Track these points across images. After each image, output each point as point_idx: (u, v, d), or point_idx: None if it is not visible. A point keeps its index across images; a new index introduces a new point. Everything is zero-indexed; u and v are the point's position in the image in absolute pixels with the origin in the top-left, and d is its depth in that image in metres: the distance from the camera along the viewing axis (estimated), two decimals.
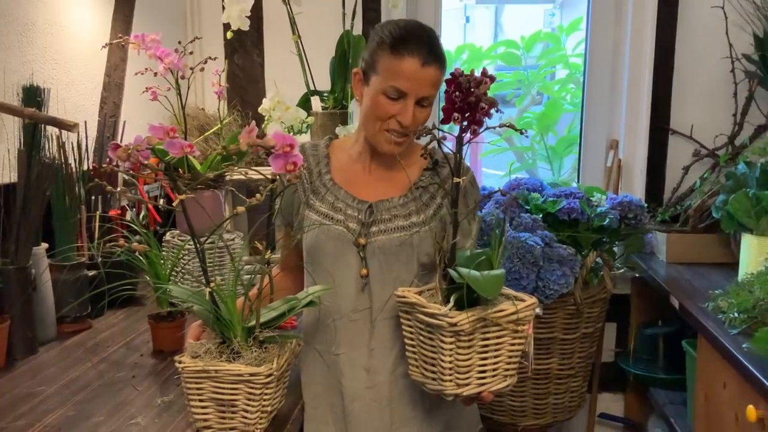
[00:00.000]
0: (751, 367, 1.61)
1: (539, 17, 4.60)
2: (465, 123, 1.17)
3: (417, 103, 1.43)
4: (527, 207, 2.34)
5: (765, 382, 1.52)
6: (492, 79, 1.15)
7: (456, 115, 1.16)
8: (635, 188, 2.77)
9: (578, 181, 2.92)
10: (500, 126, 1.21)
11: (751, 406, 1.62)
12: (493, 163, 3.72)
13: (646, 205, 2.42)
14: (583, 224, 2.30)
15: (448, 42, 3.64)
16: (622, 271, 2.52)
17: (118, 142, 2.27)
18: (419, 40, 1.41)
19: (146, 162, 1.29)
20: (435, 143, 1.21)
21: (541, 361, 2.34)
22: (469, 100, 1.14)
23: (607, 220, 2.28)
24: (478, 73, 1.20)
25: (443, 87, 1.21)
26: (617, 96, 2.85)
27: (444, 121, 1.20)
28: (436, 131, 1.20)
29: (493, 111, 1.15)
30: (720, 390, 1.86)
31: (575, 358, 2.39)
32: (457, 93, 1.15)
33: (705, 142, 2.73)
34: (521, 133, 1.20)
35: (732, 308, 1.87)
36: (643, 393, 2.76)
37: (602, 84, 2.87)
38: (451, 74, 1.18)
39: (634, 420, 2.88)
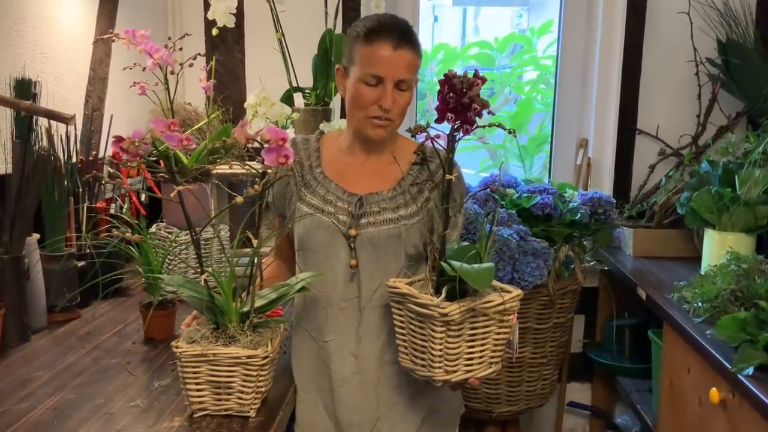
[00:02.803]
0: (714, 353, 1.72)
1: (507, 18, 4.70)
2: (458, 123, 1.25)
3: (395, 87, 1.49)
4: (502, 202, 2.43)
5: (727, 365, 1.63)
6: (483, 80, 1.23)
7: (450, 115, 1.23)
8: (603, 185, 2.88)
9: (549, 179, 3.03)
10: (489, 126, 1.28)
11: (714, 389, 1.73)
12: (466, 162, 3.81)
13: (615, 201, 2.53)
14: (556, 219, 2.40)
15: (421, 41, 3.71)
16: (591, 264, 2.63)
17: (105, 136, 2.30)
18: (390, 27, 1.50)
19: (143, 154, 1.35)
20: (428, 141, 1.28)
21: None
22: (463, 101, 1.21)
23: (579, 215, 2.38)
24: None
25: (437, 87, 1.29)
26: (587, 97, 2.96)
27: (438, 121, 1.27)
28: (430, 129, 1.27)
29: (483, 111, 1.23)
30: (684, 375, 1.97)
31: (547, 347, 2.49)
32: (451, 94, 1.22)
33: (670, 142, 2.85)
34: (510, 133, 1.27)
35: (696, 298, 1.98)
36: (610, 382, 2.88)
37: (573, 85, 2.97)
38: (445, 75, 1.24)
39: (601, 408, 2.99)
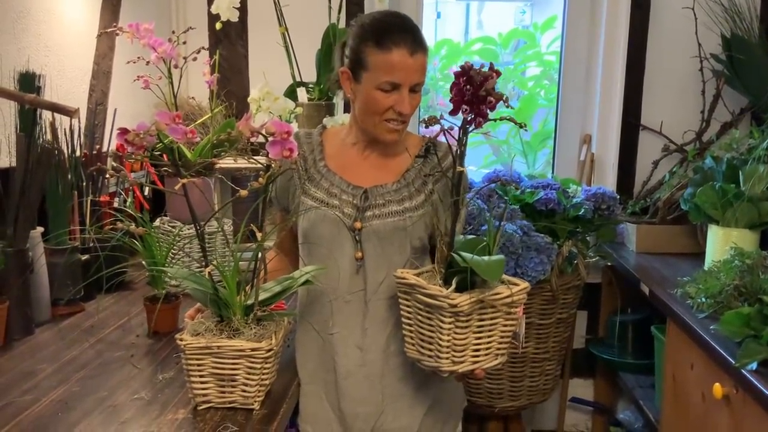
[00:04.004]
0: (718, 348, 1.71)
1: (510, 13, 4.69)
2: (471, 115, 1.24)
3: (410, 90, 1.49)
4: (506, 197, 2.43)
5: (730, 360, 1.63)
6: (498, 73, 1.22)
7: (464, 107, 1.23)
8: (607, 181, 2.88)
9: (553, 174, 3.02)
10: (501, 119, 1.28)
11: (717, 384, 1.72)
12: (469, 158, 3.80)
13: (618, 197, 2.52)
14: (560, 214, 2.39)
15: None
16: (595, 259, 2.62)
17: (109, 129, 2.30)
18: (402, 30, 1.48)
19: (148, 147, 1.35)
20: (441, 133, 1.28)
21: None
22: (479, 94, 1.21)
23: (582, 211, 2.38)
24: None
25: (452, 79, 1.28)
26: (591, 92, 2.95)
27: (452, 113, 1.26)
28: (443, 121, 1.26)
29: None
30: (687, 371, 1.97)
31: (550, 343, 2.49)
32: (468, 86, 1.22)
33: (674, 138, 2.85)
34: (521, 127, 1.27)
35: (700, 294, 1.98)
36: (613, 378, 2.88)
37: (577, 81, 2.97)
38: (461, 68, 1.24)
39: (603, 404, 2.99)
